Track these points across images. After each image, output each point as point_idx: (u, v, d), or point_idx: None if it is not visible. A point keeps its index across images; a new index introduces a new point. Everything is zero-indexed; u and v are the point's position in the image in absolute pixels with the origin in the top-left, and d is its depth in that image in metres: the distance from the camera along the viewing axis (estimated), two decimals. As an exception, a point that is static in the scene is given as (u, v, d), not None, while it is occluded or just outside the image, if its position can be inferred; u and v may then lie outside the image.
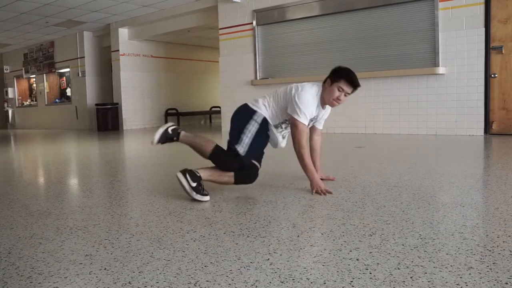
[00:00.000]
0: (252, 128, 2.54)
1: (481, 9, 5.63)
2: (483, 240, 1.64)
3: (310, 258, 1.51)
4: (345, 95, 2.54)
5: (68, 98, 12.38)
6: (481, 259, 1.44)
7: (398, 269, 1.38)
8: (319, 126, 2.85)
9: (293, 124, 2.55)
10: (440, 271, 1.35)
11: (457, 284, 1.25)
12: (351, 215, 2.04)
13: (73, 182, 3.51)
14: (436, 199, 2.38)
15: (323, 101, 2.62)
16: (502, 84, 5.69)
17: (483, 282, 1.26)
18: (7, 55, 14.30)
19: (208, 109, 12.65)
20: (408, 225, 1.84)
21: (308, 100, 2.51)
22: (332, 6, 6.83)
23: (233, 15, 8.01)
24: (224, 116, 8.33)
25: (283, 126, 2.65)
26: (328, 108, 2.77)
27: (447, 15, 5.85)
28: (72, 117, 11.99)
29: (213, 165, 2.56)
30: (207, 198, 2.41)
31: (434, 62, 5.94)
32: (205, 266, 1.46)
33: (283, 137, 2.73)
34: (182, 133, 2.68)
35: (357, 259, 1.47)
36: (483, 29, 5.62)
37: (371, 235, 1.72)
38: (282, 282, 1.31)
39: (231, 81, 8.10)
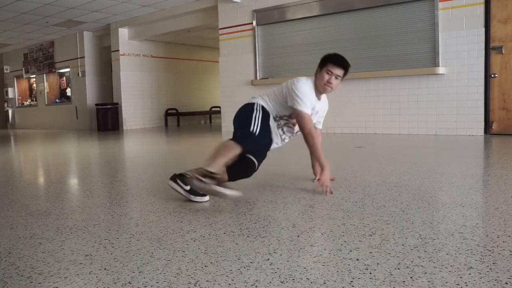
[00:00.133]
0: (257, 115, 2.56)
1: (481, 9, 5.63)
2: (483, 240, 1.64)
3: (310, 258, 1.51)
4: (336, 78, 2.56)
5: (68, 98, 12.38)
6: (481, 259, 1.44)
7: (398, 269, 1.38)
8: (319, 125, 2.85)
9: (298, 116, 2.54)
10: (440, 271, 1.35)
11: (457, 284, 1.25)
12: (351, 215, 2.04)
13: (73, 182, 3.51)
14: (436, 199, 2.38)
15: (317, 90, 2.63)
16: (502, 84, 5.69)
17: (483, 282, 1.26)
18: (7, 55, 14.30)
19: (208, 109, 12.65)
20: (408, 225, 1.84)
21: (306, 89, 2.54)
22: (332, 6, 6.83)
23: (233, 15, 8.01)
24: (224, 116, 8.33)
25: (282, 122, 2.65)
26: (324, 100, 2.76)
27: (447, 15, 5.85)
28: (72, 117, 11.99)
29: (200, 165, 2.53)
30: (205, 198, 2.39)
31: (434, 62, 5.94)
32: (205, 266, 1.46)
33: (282, 139, 2.72)
34: (209, 169, 2.30)
35: (357, 259, 1.47)
36: (483, 29, 5.62)
37: (371, 235, 1.72)
38: (282, 282, 1.31)
39: (231, 81, 8.10)
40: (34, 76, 13.47)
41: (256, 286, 1.29)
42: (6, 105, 14.66)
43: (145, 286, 1.32)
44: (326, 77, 2.55)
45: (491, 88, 5.73)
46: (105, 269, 1.46)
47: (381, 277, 1.32)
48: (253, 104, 2.64)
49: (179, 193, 2.39)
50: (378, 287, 1.26)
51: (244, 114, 2.62)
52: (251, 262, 1.48)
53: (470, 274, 1.32)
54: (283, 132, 2.71)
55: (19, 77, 14.13)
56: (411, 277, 1.31)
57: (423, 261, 1.43)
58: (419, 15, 6.06)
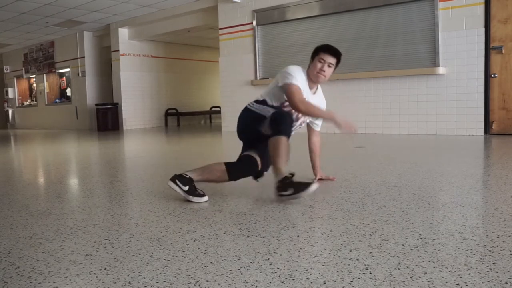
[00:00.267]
0: (257, 107, 2.57)
1: (481, 9, 5.63)
2: (483, 240, 1.64)
3: (310, 258, 1.51)
4: (328, 66, 2.56)
5: (68, 98, 12.39)
6: (481, 259, 1.44)
7: (398, 269, 1.38)
8: (316, 128, 2.85)
9: (288, 90, 2.46)
10: (440, 271, 1.35)
11: (457, 284, 1.25)
12: (351, 215, 2.04)
13: (73, 182, 3.51)
14: (436, 199, 2.38)
15: (311, 80, 2.62)
16: (502, 84, 5.69)
17: (483, 282, 1.26)
18: (7, 55, 14.30)
19: (208, 109, 12.65)
20: (408, 225, 1.84)
21: (297, 70, 2.53)
22: (332, 6, 6.83)
23: (233, 15, 8.01)
24: (224, 116, 8.33)
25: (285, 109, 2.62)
26: (320, 96, 2.74)
27: (447, 15, 5.85)
28: (72, 117, 11.99)
29: (202, 165, 2.52)
30: (204, 198, 2.39)
31: (434, 62, 5.94)
32: (205, 266, 1.46)
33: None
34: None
35: (357, 259, 1.47)
36: (483, 29, 5.62)
37: (371, 235, 1.72)
38: (282, 282, 1.31)
39: (231, 81, 8.10)
40: (34, 76, 13.47)
41: (256, 286, 1.29)
42: (6, 105, 14.66)
43: (145, 286, 1.32)
44: (319, 65, 2.56)
45: (491, 88, 5.73)
46: (105, 269, 1.46)
47: (381, 277, 1.32)
48: (245, 108, 2.64)
49: (178, 193, 2.40)
50: (378, 287, 1.26)
51: (251, 118, 2.56)
52: (251, 262, 1.48)
53: (470, 274, 1.32)
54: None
55: (19, 77, 14.13)
56: (411, 277, 1.31)
57: (423, 261, 1.43)
58: (419, 15, 6.06)
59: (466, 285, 1.24)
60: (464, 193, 2.43)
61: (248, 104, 2.66)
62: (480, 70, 5.69)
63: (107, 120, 10.42)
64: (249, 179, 2.61)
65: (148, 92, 11.36)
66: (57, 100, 12.88)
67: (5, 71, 14.41)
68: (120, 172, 3.93)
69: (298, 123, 2.67)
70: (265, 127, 2.44)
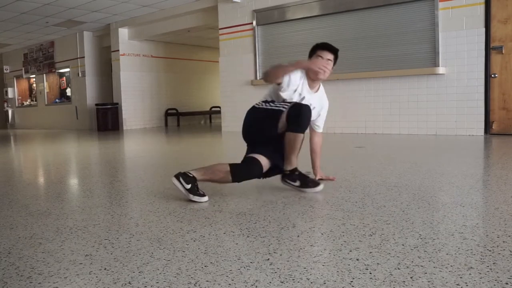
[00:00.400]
0: (266, 106, 2.59)
1: (481, 9, 5.63)
2: (483, 240, 1.64)
3: (310, 258, 1.51)
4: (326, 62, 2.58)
5: (68, 98, 12.39)
6: (481, 259, 1.44)
7: (398, 269, 1.38)
8: (318, 129, 2.84)
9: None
10: (440, 271, 1.35)
11: (457, 284, 1.25)
12: (351, 215, 2.04)
13: (73, 182, 3.51)
14: (436, 199, 2.38)
15: (310, 79, 2.62)
16: (502, 84, 5.69)
17: (483, 282, 1.26)
18: (7, 55, 14.30)
19: (208, 109, 12.65)
20: (408, 225, 1.84)
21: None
22: (332, 6, 6.83)
23: (233, 15, 8.01)
24: (224, 116, 8.33)
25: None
26: (321, 96, 2.73)
27: (447, 15, 5.85)
28: (72, 117, 11.99)
29: (206, 165, 2.52)
30: (204, 199, 2.38)
31: (434, 62, 5.94)
32: (205, 266, 1.46)
33: None
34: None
35: (357, 259, 1.47)
36: (483, 29, 5.62)
37: (371, 235, 1.72)
38: (282, 282, 1.31)
39: (231, 81, 8.10)
40: (34, 76, 13.47)
41: (256, 286, 1.29)
42: (6, 105, 14.65)
43: (145, 286, 1.31)
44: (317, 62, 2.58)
45: (491, 88, 5.73)
46: (105, 269, 1.46)
47: (381, 277, 1.32)
48: (253, 107, 2.65)
49: (180, 190, 2.39)
50: (378, 287, 1.26)
51: (262, 117, 2.57)
52: (251, 262, 1.48)
53: (470, 274, 1.32)
54: None
55: (19, 77, 14.12)
56: (411, 277, 1.31)
57: (423, 261, 1.43)
58: (419, 15, 6.06)
59: (466, 285, 1.24)
60: (464, 193, 2.43)
61: (256, 104, 2.66)
62: (480, 70, 5.68)
63: (107, 120, 10.42)
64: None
65: (148, 92, 11.36)
66: (57, 100, 12.88)
67: (5, 71, 14.41)
68: (120, 172, 3.93)
69: None
70: (283, 122, 2.47)
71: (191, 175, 2.38)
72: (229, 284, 1.31)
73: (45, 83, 13.13)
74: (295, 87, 2.56)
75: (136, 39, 10.73)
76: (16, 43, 12.59)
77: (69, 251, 1.65)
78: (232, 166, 2.45)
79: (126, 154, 5.61)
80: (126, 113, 10.81)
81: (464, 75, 5.79)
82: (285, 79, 2.52)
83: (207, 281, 1.34)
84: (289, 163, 2.53)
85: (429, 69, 5.95)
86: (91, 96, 11.56)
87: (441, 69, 5.88)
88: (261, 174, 2.51)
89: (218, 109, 11.05)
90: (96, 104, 10.69)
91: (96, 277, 1.40)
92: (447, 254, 1.49)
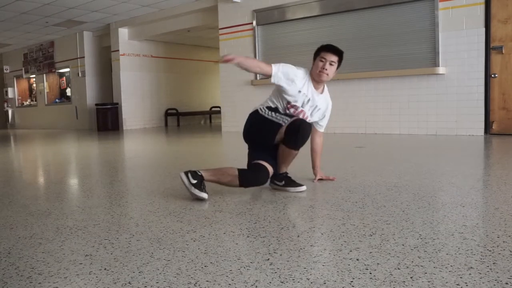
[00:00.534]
0: (267, 113, 2.63)
1: (481, 9, 5.63)
2: (483, 240, 1.64)
3: (310, 258, 1.51)
4: (330, 64, 2.59)
5: (68, 98, 12.39)
6: (481, 259, 1.44)
7: (398, 269, 1.38)
8: (320, 129, 2.85)
9: None
10: (440, 271, 1.35)
11: (457, 284, 1.25)
12: (351, 215, 2.04)
13: (73, 182, 3.51)
14: (436, 199, 2.38)
15: (314, 81, 2.64)
16: (502, 84, 5.69)
17: (483, 282, 1.26)
18: (7, 55, 14.30)
19: (208, 109, 12.65)
20: (408, 225, 1.84)
21: (288, 64, 2.63)
22: (332, 6, 6.83)
23: (233, 15, 8.01)
24: (224, 116, 8.33)
25: (290, 111, 2.63)
26: (325, 97, 2.74)
27: (447, 15, 5.84)
28: (72, 117, 11.99)
29: (215, 167, 2.59)
30: (204, 195, 2.39)
31: (434, 62, 5.94)
32: (205, 266, 1.46)
33: None
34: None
35: (357, 259, 1.47)
36: (483, 29, 5.62)
37: (371, 235, 1.72)
38: (282, 282, 1.31)
39: (231, 81, 8.09)
40: (34, 76, 13.47)
41: (256, 286, 1.29)
42: (6, 105, 14.65)
43: (145, 286, 1.31)
44: (320, 64, 2.60)
45: (491, 88, 5.73)
46: (105, 269, 1.46)
47: (381, 277, 1.32)
48: (256, 111, 2.68)
49: (183, 182, 2.41)
50: (378, 287, 1.26)
51: (263, 123, 2.62)
52: (251, 262, 1.48)
53: (470, 274, 1.32)
54: None
55: (19, 77, 14.12)
56: (411, 277, 1.31)
57: (423, 261, 1.43)
58: (419, 15, 6.06)
59: (466, 285, 1.24)
60: (464, 193, 2.43)
61: (259, 108, 2.67)
62: (480, 70, 5.68)
63: (107, 120, 10.42)
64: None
65: (148, 92, 11.36)
66: (57, 100, 12.88)
67: (5, 71, 14.41)
68: (120, 172, 3.93)
69: None
70: (280, 136, 2.56)
71: (200, 174, 2.43)
72: (229, 284, 1.31)
73: (45, 83, 13.13)
74: (299, 88, 2.58)
75: (136, 39, 10.73)
76: (16, 43, 12.59)
77: (69, 251, 1.65)
78: (241, 171, 2.50)
79: (126, 154, 5.61)
80: (126, 113, 10.81)
81: (464, 75, 5.78)
82: (286, 81, 2.55)
83: (207, 281, 1.34)
84: (279, 170, 2.66)
85: (429, 69, 5.95)
86: (91, 96, 11.56)
87: (441, 69, 5.88)
88: (266, 181, 2.60)
89: (218, 109, 11.05)
90: (96, 104, 10.69)
91: (96, 277, 1.40)
92: (447, 254, 1.49)
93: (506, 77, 5.66)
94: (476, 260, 1.43)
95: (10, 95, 14.39)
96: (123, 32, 10.61)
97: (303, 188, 2.61)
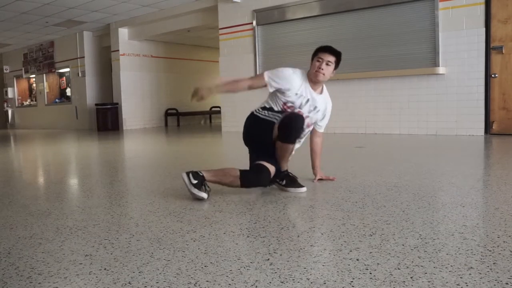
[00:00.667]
0: (264, 113, 2.64)
1: (481, 9, 5.63)
2: (484, 240, 1.64)
3: (310, 258, 1.51)
4: (327, 64, 2.60)
5: (68, 98, 12.38)
6: (481, 259, 1.44)
7: (398, 269, 1.38)
8: (320, 129, 2.84)
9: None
10: (440, 271, 1.35)
11: (457, 284, 1.25)
12: (351, 215, 2.04)
13: (73, 182, 3.51)
14: (436, 199, 2.38)
15: (311, 81, 2.65)
16: (502, 84, 5.69)
17: (483, 282, 1.26)
18: (7, 55, 14.30)
19: (208, 109, 12.64)
20: (408, 225, 1.84)
21: (281, 69, 2.63)
22: (332, 6, 6.83)
23: (233, 15, 8.01)
24: (224, 116, 8.33)
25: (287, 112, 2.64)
26: (324, 97, 2.73)
27: (447, 15, 5.84)
28: (72, 117, 11.99)
29: (216, 167, 2.59)
30: (203, 195, 2.40)
31: (434, 62, 5.94)
32: (205, 266, 1.46)
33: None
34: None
35: (357, 259, 1.47)
36: (483, 29, 5.62)
37: (371, 235, 1.72)
38: (282, 282, 1.31)
39: (231, 81, 8.08)
40: (34, 76, 13.46)
41: (256, 286, 1.29)
42: (6, 105, 14.65)
43: (145, 286, 1.31)
44: (317, 64, 2.62)
45: (491, 88, 5.73)
46: (105, 269, 1.46)
47: (381, 277, 1.32)
48: (252, 114, 2.71)
49: (184, 182, 2.42)
50: (378, 287, 1.26)
51: (259, 125, 2.64)
52: (251, 262, 1.48)
53: (470, 274, 1.32)
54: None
55: (19, 77, 14.12)
56: (411, 277, 1.31)
57: (423, 261, 1.43)
58: (419, 15, 6.06)
59: (467, 285, 1.24)
60: (464, 193, 2.43)
61: (255, 110, 2.70)
62: (480, 70, 5.68)
63: (107, 120, 10.42)
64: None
65: (148, 92, 11.36)
66: (57, 100, 12.87)
67: (5, 71, 14.41)
68: (120, 172, 3.93)
69: (307, 129, 2.70)
70: (275, 132, 2.55)
71: (201, 174, 2.44)
72: (229, 284, 1.31)
73: (45, 83, 13.12)
74: (296, 91, 2.59)
75: (136, 39, 10.72)
76: (16, 43, 12.59)
77: (69, 251, 1.65)
78: (242, 172, 2.50)
79: (126, 154, 5.61)
80: (126, 113, 10.81)
81: (464, 75, 5.78)
82: (281, 83, 2.58)
83: (207, 281, 1.34)
84: (280, 167, 2.64)
85: (429, 69, 5.95)
86: (91, 96, 11.56)
87: (441, 69, 5.87)
88: (268, 181, 2.59)
89: (218, 109, 11.04)
90: (96, 104, 10.69)
91: (96, 277, 1.40)
92: (447, 254, 1.49)
93: (506, 77, 5.66)
94: (476, 260, 1.43)
95: (10, 95, 14.38)
96: (123, 32, 10.61)
97: (303, 189, 2.60)
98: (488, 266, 1.37)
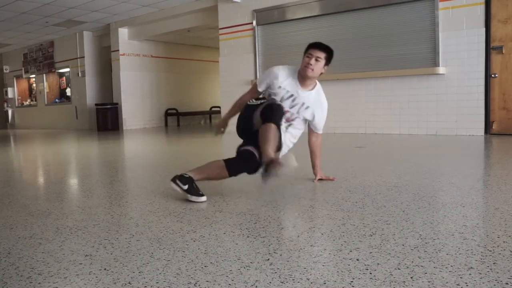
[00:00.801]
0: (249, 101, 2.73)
1: (481, 9, 5.63)
2: (484, 240, 1.64)
3: (310, 258, 1.51)
4: (316, 60, 2.62)
5: (68, 98, 12.38)
6: (481, 259, 1.44)
7: (398, 269, 1.38)
8: (316, 131, 2.83)
9: None
10: (440, 271, 1.35)
11: (457, 285, 1.25)
12: (351, 215, 2.04)
13: (73, 182, 3.51)
14: (436, 199, 2.38)
15: (300, 76, 2.68)
16: (502, 84, 5.69)
17: (483, 283, 1.26)
18: (7, 55, 14.30)
19: (208, 109, 12.64)
20: (408, 225, 1.84)
21: (270, 68, 2.74)
22: (332, 6, 6.83)
23: (233, 15, 8.01)
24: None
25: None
26: (316, 95, 2.72)
27: (447, 15, 5.84)
28: (72, 117, 11.99)
29: (201, 164, 2.54)
30: (203, 198, 2.39)
31: (434, 62, 5.94)
32: (205, 266, 1.46)
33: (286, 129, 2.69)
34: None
35: (357, 259, 1.47)
36: (483, 29, 5.62)
37: (371, 235, 1.72)
38: (282, 282, 1.31)
39: (231, 81, 8.09)
40: (33, 76, 13.46)
41: (256, 286, 1.29)
42: (5, 105, 14.65)
43: (145, 286, 1.31)
44: (306, 59, 2.64)
45: (491, 88, 5.73)
46: (105, 269, 1.46)
47: (381, 277, 1.32)
48: (246, 103, 2.75)
49: (179, 192, 2.40)
50: (378, 287, 1.25)
51: (247, 109, 2.65)
52: (251, 262, 1.48)
53: (470, 274, 1.32)
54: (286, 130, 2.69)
55: (18, 77, 14.12)
56: (411, 277, 1.31)
57: (423, 261, 1.43)
58: (419, 15, 6.06)
59: (467, 285, 1.24)
60: (465, 193, 2.43)
61: (249, 101, 2.75)
62: (480, 70, 5.68)
63: (107, 120, 10.42)
64: (250, 178, 2.61)
65: (148, 92, 11.36)
66: (56, 100, 12.87)
67: (4, 71, 14.40)
68: (120, 172, 3.93)
69: (286, 123, 2.68)
70: (256, 118, 2.47)
71: (187, 176, 2.40)
72: (229, 284, 1.31)
73: (45, 83, 13.12)
74: (279, 84, 2.65)
75: (136, 39, 10.72)
76: (16, 43, 12.59)
77: (69, 251, 1.65)
78: (227, 161, 2.46)
79: (126, 154, 5.61)
80: (126, 113, 10.80)
81: (464, 75, 5.78)
82: (268, 82, 2.69)
83: (207, 281, 1.34)
84: (265, 154, 2.33)
85: (429, 69, 5.95)
86: (91, 96, 11.56)
87: (441, 69, 5.87)
88: (256, 165, 2.44)
89: (218, 109, 11.04)
90: (96, 104, 10.68)
91: (96, 277, 1.40)
92: (447, 254, 1.49)
93: (506, 77, 5.66)
94: (476, 260, 1.43)
95: (10, 95, 14.38)
96: (123, 32, 10.61)
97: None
98: (488, 266, 1.37)
